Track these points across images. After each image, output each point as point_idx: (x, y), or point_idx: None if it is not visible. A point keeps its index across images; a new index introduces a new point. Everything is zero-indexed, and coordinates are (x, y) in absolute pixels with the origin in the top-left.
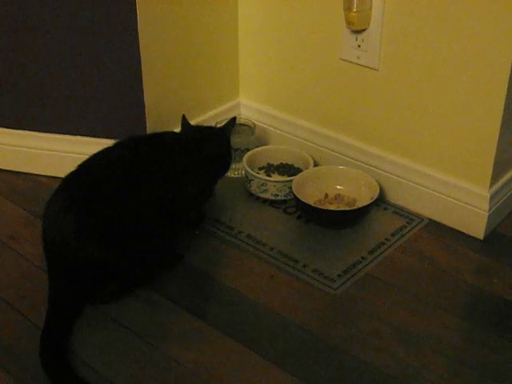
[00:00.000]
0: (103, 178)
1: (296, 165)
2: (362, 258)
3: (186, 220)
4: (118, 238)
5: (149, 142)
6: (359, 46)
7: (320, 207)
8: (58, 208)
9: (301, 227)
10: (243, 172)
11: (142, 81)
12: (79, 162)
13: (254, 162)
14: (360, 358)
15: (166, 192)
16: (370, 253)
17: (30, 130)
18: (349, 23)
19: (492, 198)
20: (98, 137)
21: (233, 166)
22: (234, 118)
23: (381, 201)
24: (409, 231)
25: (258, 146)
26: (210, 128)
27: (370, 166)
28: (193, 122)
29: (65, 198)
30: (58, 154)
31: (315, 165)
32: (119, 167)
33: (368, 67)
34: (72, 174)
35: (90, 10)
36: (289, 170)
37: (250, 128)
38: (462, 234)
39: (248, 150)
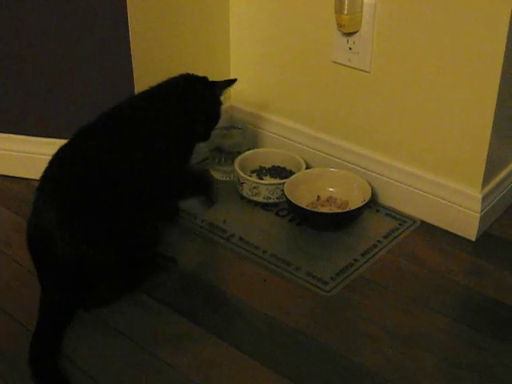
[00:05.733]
0: (77, 173)
1: (288, 167)
2: (355, 260)
3: (162, 209)
4: (100, 233)
5: (113, 123)
6: (350, 49)
7: (312, 210)
8: (39, 211)
9: (293, 230)
10: (235, 175)
11: (134, 88)
12: None
13: (245, 165)
14: (353, 360)
15: (144, 169)
16: (363, 255)
17: (23, 134)
18: (340, 26)
19: (484, 199)
20: None
21: (224, 168)
22: (234, 80)
23: (373, 203)
24: (401, 233)
25: (249, 149)
26: (191, 79)
27: (362, 168)
28: None
29: (44, 200)
30: None
31: (307, 167)
32: (91, 158)
33: (359, 69)
34: (46, 173)
35: (82, 17)
36: (281, 172)
37: (241, 131)
38: (455, 235)
39: (240, 153)
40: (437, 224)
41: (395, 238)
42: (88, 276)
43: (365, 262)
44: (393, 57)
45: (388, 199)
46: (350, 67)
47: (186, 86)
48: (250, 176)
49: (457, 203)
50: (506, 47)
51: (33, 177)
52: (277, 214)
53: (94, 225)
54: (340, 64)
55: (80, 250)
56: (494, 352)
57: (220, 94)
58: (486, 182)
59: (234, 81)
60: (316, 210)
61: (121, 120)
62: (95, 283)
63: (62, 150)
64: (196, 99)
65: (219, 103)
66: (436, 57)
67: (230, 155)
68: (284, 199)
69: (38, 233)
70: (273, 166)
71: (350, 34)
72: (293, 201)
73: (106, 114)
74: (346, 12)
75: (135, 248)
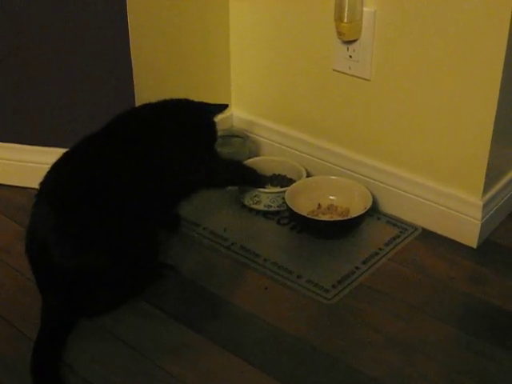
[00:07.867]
0: (73, 181)
1: (289, 176)
2: (356, 267)
3: (162, 217)
4: (96, 241)
5: (111, 133)
6: (351, 57)
7: (313, 218)
8: (36, 218)
9: (294, 238)
10: None
11: (134, 97)
12: None
13: None
14: (355, 368)
15: (141, 179)
16: (364, 263)
17: (24, 143)
18: (340, 34)
19: (485, 206)
20: None
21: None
22: (226, 106)
23: (374, 211)
24: (402, 241)
25: (250, 158)
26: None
27: (363, 175)
28: None
29: (41, 207)
30: None
31: (308, 175)
32: (87, 167)
33: (360, 77)
34: (44, 181)
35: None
36: (282, 180)
37: (242, 139)
38: (456, 242)
39: (240, 161)
40: (438, 231)
41: (396, 245)
42: (85, 283)
43: (366, 270)
44: (393, 64)
45: (389, 207)
46: (351, 75)
47: (182, 105)
48: None
49: (458, 210)
50: (506, 55)
51: (31, 186)
52: (278, 222)
53: (89, 232)
54: (340, 72)
55: (75, 257)
56: (496, 359)
57: (212, 118)
58: (486, 189)
59: (226, 106)
60: (317, 217)
61: (118, 131)
62: (92, 291)
63: (61, 158)
64: (189, 118)
65: (214, 124)
66: (436, 64)
67: None
68: (285, 207)
69: (35, 240)
70: (273, 175)
71: (350, 42)
72: (294, 209)
73: (106, 125)
74: (345, 20)
75: (133, 256)
